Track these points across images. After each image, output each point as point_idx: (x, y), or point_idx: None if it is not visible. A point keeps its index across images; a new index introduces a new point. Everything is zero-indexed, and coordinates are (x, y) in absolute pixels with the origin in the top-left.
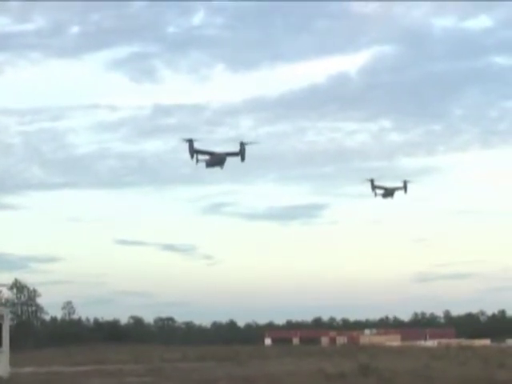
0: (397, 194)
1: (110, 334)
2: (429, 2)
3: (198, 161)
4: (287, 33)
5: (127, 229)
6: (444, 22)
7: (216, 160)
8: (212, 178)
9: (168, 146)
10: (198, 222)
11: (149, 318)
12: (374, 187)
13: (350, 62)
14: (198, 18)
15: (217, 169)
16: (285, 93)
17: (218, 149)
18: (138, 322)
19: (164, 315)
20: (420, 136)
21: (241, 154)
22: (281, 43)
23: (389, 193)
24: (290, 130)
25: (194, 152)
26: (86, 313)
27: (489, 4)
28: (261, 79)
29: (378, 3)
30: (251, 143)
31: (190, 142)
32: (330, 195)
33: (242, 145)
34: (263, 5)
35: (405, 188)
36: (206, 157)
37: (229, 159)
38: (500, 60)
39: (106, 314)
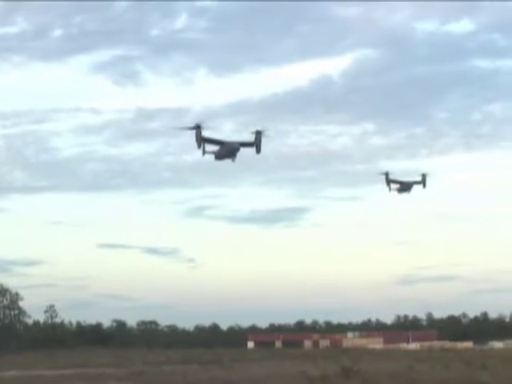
0: (414, 188)
1: (92, 337)
2: (411, 6)
3: (205, 152)
4: (270, 36)
5: (110, 232)
6: (426, 25)
7: (227, 151)
8: (195, 181)
9: (151, 149)
10: (181, 225)
11: (131, 321)
12: (388, 181)
13: (333, 66)
14: (181, 21)
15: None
16: (268, 96)
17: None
18: (120, 325)
19: (147, 318)
20: (402, 139)
21: (256, 144)
22: (264, 47)
23: (405, 187)
24: (273, 133)
25: (201, 141)
26: (69, 316)
27: (471, 8)
28: (244, 82)
29: (360, 7)
30: (268, 132)
31: (197, 128)
32: (313, 198)
33: (259, 134)
34: (246, 8)
35: (423, 182)
36: (215, 148)
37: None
38: (482, 63)
39: (89, 318)
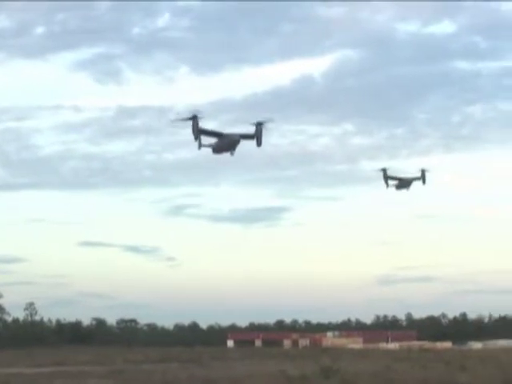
0: (413, 185)
1: (72, 335)
2: (393, 7)
3: (201, 145)
4: (252, 36)
5: (91, 230)
6: (408, 26)
7: (227, 143)
8: (176, 180)
9: (132, 148)
10: (162, 223)
11: (111, 319)
12: (386, 178)
13: (315, 66)
14: (163, 19)
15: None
16: (249, 95)
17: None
18: (100, 323)
19: (126, 317)
20: (383, 140)
21: (256, 136)
22: (245, 46)
23: (404, 184)
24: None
25: (198, 132)
26: (49, 314)
27: (452, 9)
28: (225, 81)
29: (343, 8)
30: (269, 121)
31: (194, 119)
32: (294, 198)
33: (259, 125)
34: (228, 8)
35: (423, 178)
36: (213, 140)
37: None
38: (463, 65)
39: (69, 316)
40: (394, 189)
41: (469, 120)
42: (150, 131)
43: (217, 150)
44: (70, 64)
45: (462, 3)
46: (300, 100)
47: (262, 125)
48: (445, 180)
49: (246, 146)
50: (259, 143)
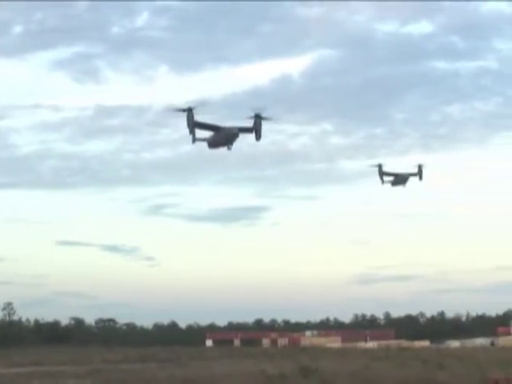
0: (410, 181)
1: (50, 335)
2: (371, 7)
3: (195, 139)
4: (231, 35)
5: (69, 229)
6: (386, 26)
7: (224, 137)
8: (154, 179)
9: (111, 147)
10: (140, 223)
11: (90, 319)
12: (381, 174)
13: (293, 66)
14: (142, 19)
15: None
16: (228, 95)
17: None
18: (78, 323)
19: (105, 316)
20: (361, 139)
21: (255, 129)
22: (224, 45)
23: (400, 180)
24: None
25: (193, 125)
26: (27, 314)
27: (430, 10)
28: (204, 81)
29: (321, 8)
30: (269, 119)
31: (189, 111)
32: (272, 197)
33: (258, 118)
34: (207, 7)
35: (419, 174)
36: (208, 134)
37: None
38: (441, 65)
39: (47, 315)
40: (389, 185)
41: (447, 120)
42: (128, 130)
43: (213, 144)
44: (49, 63)
45: (440, 3)
46: (279, 100)
47: (261, 117)
48: (423, 179)
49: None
50: (258, 137)
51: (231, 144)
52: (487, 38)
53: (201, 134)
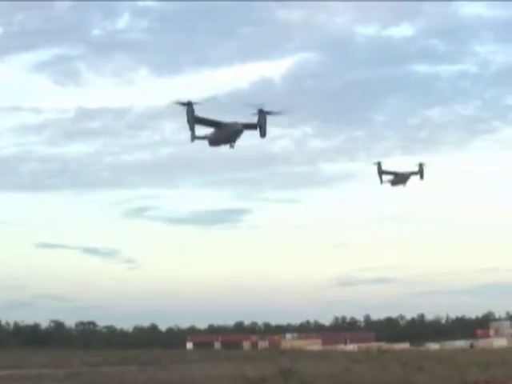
0: (411, 180)
1: (30, 338)
2: (352, 10)
3: (195, 137)
4: (211, 38)
5: (48, 232)
6: (366, 29)
7: (227, 134)
8: (134, 182)
9: (91, 149)
10: (121, 225)
11: (70, 321)
12: (380, 172)
13: (274, 68)
14: (123, 21)
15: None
16: (208, 98)
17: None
18: (58, 326)
19: (85, 319)
20: (342, 142)
21: (260, 125)
22: (205, 48)
23: (400, 179)
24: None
25: (194, 121)
26: (6, 317)
27: (410, 13)
28: (184, 83)
29: (302, 10)
30: (275, 113)
31: (189, 106)
32: (253, 200)
33: (262, 113)
34: (188, 9)
35: (421, 173)
36: (208, 130)
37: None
38: (421, 68)
39: (27, 318)
40: (389, 185)
41: (427, 123)
42: (109, 133)
43: (214, 141)
44: (29, 65)
45: (420, 7)
46: (259, 102)
47: (265, 113)
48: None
49: (206, 148)
50: (263, 133)
51: (234, 141)
52: (467, 42)
53: (200, 131)
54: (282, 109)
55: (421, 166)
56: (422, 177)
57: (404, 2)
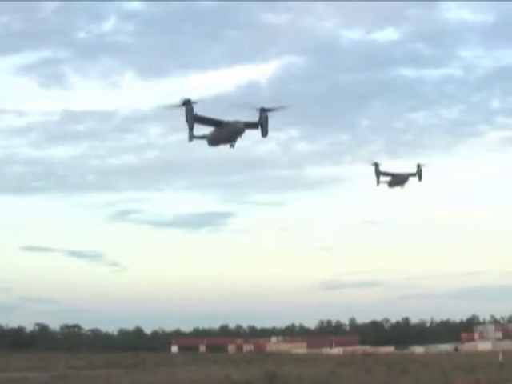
0: (409, 182)
1: (14, 340)
2: (338, 15)
3: (193, 136)
4: (198, 41)
5: (34, 235)
6: (352, 34)
7: (227, 133)
8: (120, 185)
9: (76, 152)
10: (106, 228)
11: (54, 325)
12: (378, 173)
13: (260, 72)
14: (109, 24)
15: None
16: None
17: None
18: (43, 329)
19: (70, 322)
20: (327, 146)
21: (261, 124)
22: (191, 51)
23: (398, 181)
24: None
25: (193, 120)
26: None
27: (395, 17)
28: (170, 87)
29: (288, 15)
30: (276, 109)
31: (188, 104)
32: (238, 203)
33: (264, 112)
34: (174, 13)
35: (419, 174)
36: (206, 130)
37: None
38: (406, 72)
39: (11, 321)
40: (386, 186)
41: (412, 126)
42: (94, 136)
43: (214, 141)
44: (14, 68)
45: (406, 11)
46: (245, 106)
47: (267, 112)
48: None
49: (192, 151)
50: (264, 133)
51: (235, 141)
52: (452, 46)
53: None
54: (282, 105)
55: (419, 167)
56: (420, 178)
57: (389, 7)
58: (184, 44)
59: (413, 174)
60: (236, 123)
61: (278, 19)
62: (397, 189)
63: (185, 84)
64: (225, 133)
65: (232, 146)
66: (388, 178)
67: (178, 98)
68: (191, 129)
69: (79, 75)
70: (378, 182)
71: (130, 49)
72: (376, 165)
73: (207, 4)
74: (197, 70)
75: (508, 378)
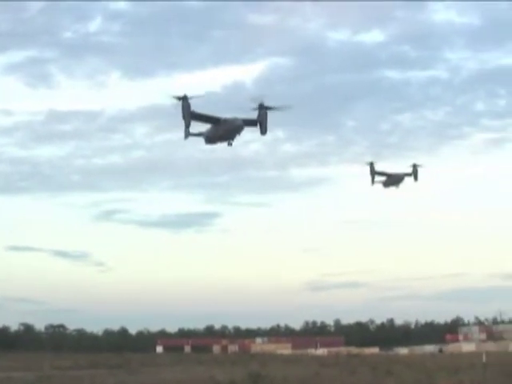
0: (404, 182)
1: None
2: (324, 16)
3: (189, 133)
4: (184, 41)
5: (19, 234)
6: (338, 35)
7: (225, 130)
8: (105, 185)
9: (62, 152)
10: (91, 228)
11: (39, 324)
12: (373, 173)
13: (246, 72)
14: (95, 24)
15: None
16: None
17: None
18: (28, 329)
19: (55, 322)
20: (313, 147)
21: (260, 121)
22: (177, 52)
23: (393, 181)
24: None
25: (190, 117)
26: None
27: (381, 19)
28: (156, 87)
29: (274, 15)
30: (276, 108)
31: (184, 100)
32: (224, 204)
33: (263, 109)
34: (160, 13)
35: (414, 174)
36: (204, 126)
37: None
38: (392, 74)
39: None
40: (381, 186)
41: (397, 128)
42: (80, 136)
43: (211, 138)
44: (0, 67)
45: (392, 13)
46: (231, 106)
47: (266, 109)
48: (372, 187)
49: (178, 152)
50: (264, 130)
51: (233, 139)
52: (438, 48)
53: (195, 128)
54: (282, 104)
55: (415, 167)
56: (416, 178)
57: (376, 8)
58: (170, 44)
59: (408, 174)
60: (235, 120)
61: (265, 20)
62: (391, 189)
63: (171, 84)
64: (223, 130)
65: (230, 144)
66: (383, 178)
67: (164, 99)
68: (187, 126)
69: (65, 75)
70: (373, 181)
71: (116, 49)
72: (371, 164)
73: (193, 4)
74: (183, 70)
75: (491, 379)
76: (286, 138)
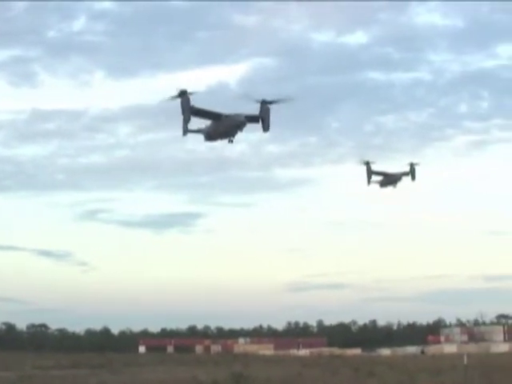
0: (401, 182)
1: None
2: (308, 17)
3: (188, 130)
4: (168, 42)
5: (2, 234)
6: (322, 36)
7: (226, 127)
8: (89, 185)
9: (45, 151)
10: (74, 228)
11: (21, 324)
12: (370, 173)
13: (230, 73)
14: (79, 23)
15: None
16: (164, 101)
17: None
18: (9, 328)
19: (37, 322)
20: (296, 147)
21: (262, 118)
22: (161, 52)
23: (390, 180)
24: (169, 138)
25: (190, 112)
26: None
27: (365, 21)
28: (140, 87)
29: (259, 16)
30: (278, 101)
31: (184, 95)
32: (207, 204)
33: (265, 105)
34: (145, 13)
35: (412, 174)
36: (203, 123)
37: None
38: (375, 75)
39: None
40: (377, 186)
41: (381, 129)
42: (64, 135)
43: (211, 135)
44: None
45: (375, 15)
46: (215, 107)
47: (269, 104)
48: (356, 188)
49: (162, 152)
50: (266, 127)
51: (234, 136)
52: (421, 50)
53: (193, 125)
54: (284, 97)
55: (412, 166)
56: (413, 178)
57: (360, 10)
58: (154, 44)
59: (406, 174)
60: (237, 116)
61: (249, 21)
62: (388, 189)
63: (154, 84)
64: (224, 126)
65: (231, 141)
66: (379, 178)
67: (147, 99)
68: (186, 122)
69: (49, 74)
70: (369, 181)
71: (101, 48)
72: (367, 164)
73: (178, 4)
74: (167, 71)
75: (473, 380)
76: (269, 138)
